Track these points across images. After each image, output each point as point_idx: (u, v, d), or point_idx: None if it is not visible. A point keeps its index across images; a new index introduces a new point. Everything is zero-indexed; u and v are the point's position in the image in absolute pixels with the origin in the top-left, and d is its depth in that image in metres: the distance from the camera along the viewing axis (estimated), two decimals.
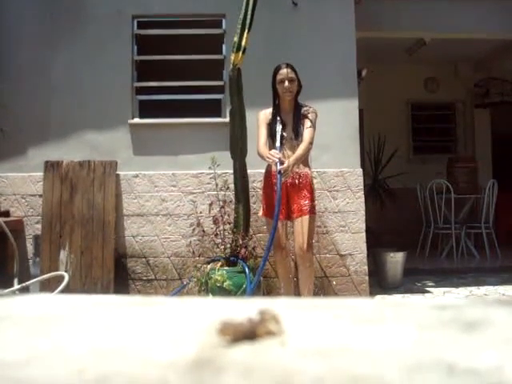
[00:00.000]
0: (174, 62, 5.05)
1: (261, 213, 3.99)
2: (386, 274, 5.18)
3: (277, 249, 3.84)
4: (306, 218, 3.73)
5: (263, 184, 3.98)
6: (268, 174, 3.88)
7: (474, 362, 0.26)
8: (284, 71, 3.80)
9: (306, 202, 3.75)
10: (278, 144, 3.69)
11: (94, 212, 4.64)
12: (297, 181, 3.77)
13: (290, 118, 3.84)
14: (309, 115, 3.82)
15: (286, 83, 3.78)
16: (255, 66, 4.44)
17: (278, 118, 3.79)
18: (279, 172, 3.51)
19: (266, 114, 3.90)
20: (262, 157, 3.75)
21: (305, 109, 3.87)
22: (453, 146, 8.55)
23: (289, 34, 4.85)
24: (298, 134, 3.79)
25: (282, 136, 3.74)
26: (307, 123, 3.80)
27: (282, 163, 3.53)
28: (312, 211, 3.79)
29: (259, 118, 3.90)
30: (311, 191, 3.82)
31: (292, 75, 3.80)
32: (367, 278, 4.71)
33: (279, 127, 3.76)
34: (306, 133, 3.79)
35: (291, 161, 3.58)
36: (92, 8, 4.92)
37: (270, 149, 3.72)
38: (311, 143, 3.77)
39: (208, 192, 4.70)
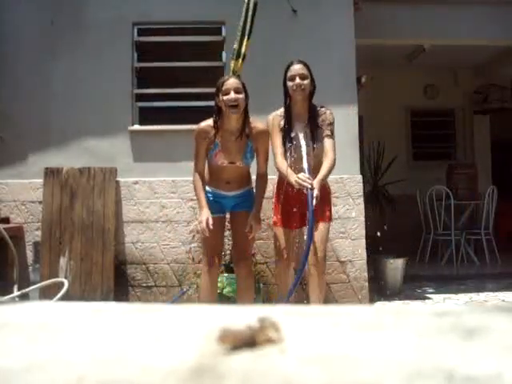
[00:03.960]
0: (174, 68, 5.06)
1: (273, 221, 3.66)
2: (386, 280, 5.17)
3: (283, 259, 3.53)
4: (323, 225, 3.47)
5: (276, 192, 3.66)
6: (282, 182, 3.54)
7: (473, 369, 0.26)
8: (295, 67, 3.50)
9: (323, 209, 3.48)
10: (305, 166, 3.26)
11: (94, 219, 4.64)
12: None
13: (304, 123, 3.48)
14: (326, 120, 3.47)
15: (297, 79, 3.43)
16: (254, 72, 4.45)
17: (302, 134, 3.39)
18: (312, 199, 3.16)
19: (276, 118, 3.55)
20: (280, 172, 3.45)
21: (322, 110, 3.53)
22: (452, 152, 8.55)
23: (288, 41, 4.86)
24: (314, 140, 3.45)
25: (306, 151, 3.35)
26: (326, 131, 3.45)
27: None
28: (329, 218, 3.55)
29: (271, 124, 3.53)
30: (329, 198, 3.60)
31: (304, 71, 3.47)
32: (367, 284, 4.70)
33: (303, 142, 3.36)
34: (328, 145, 3.43)
35: (317, 184, 3.23)
36: (92, 15, 4.94)
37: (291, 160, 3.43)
38: (335, 158, 3.43)
39: None
